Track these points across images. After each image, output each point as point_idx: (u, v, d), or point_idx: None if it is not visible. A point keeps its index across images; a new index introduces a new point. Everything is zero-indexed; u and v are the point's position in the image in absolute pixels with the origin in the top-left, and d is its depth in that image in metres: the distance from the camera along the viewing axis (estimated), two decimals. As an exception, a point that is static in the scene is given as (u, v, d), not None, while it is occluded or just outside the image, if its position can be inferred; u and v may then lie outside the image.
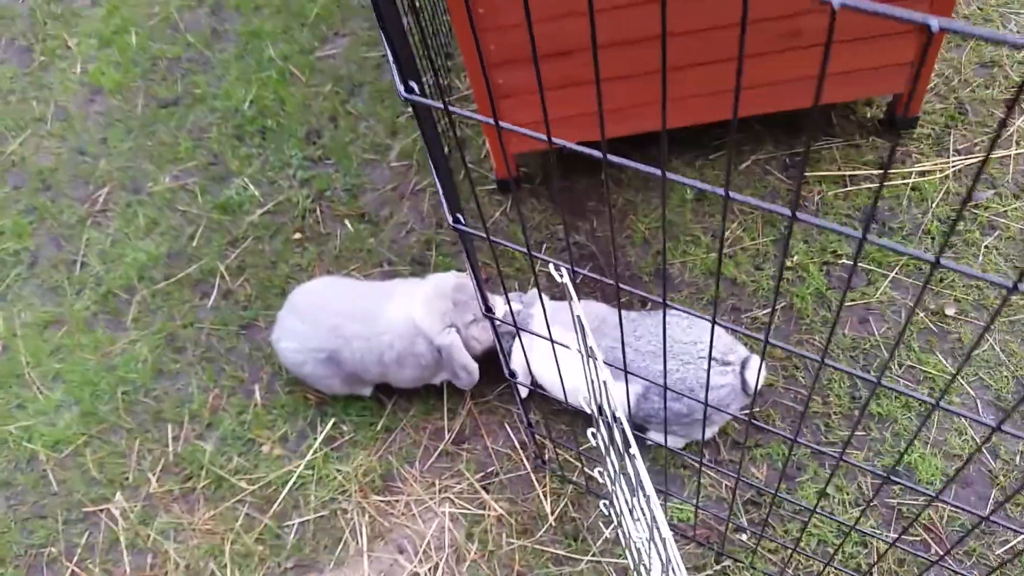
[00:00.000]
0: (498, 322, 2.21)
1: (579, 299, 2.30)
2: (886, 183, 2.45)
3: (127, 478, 2.35)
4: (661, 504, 2.04)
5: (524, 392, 2.24)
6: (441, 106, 0.89)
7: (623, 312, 2.13)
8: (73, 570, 2.21)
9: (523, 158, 2.79)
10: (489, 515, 2.13)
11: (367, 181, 2.88)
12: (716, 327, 2.01)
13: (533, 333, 1.58)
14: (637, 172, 2.64)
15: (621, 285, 1.06)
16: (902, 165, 2.52)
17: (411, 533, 2.15)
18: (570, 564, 2.02)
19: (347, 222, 2.77)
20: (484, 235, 1.22)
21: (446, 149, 2.89)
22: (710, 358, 1.18)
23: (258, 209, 2.87)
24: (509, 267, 2.55)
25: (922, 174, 2.49)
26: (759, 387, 1.96)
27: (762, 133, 2.65)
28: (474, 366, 2.13)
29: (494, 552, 2.07)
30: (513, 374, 1.84)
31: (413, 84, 0.92)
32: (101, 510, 2.30)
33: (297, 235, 2.78)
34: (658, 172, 0.77)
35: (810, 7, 2.11)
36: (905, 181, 2.49)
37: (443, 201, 1.21)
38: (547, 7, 2.08)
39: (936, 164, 2.50)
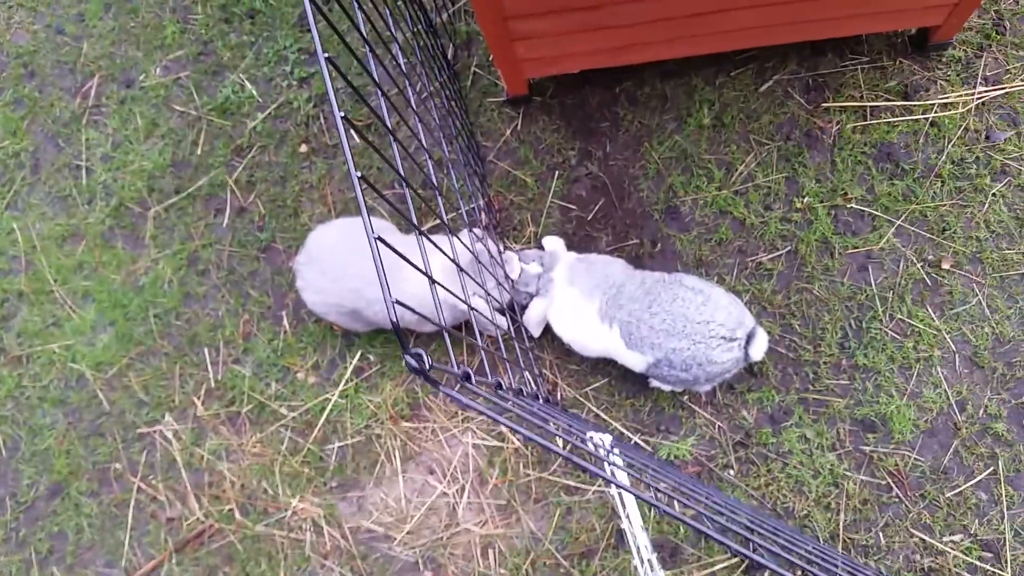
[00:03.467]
0: (517, 286, 2.31)
1: (592, 252, 2.37)
2: (905, 118, 2.42)
3: (174, 400, 2.57)
4: (660, 442, 2.31)
5: (537, 332, 2.40)
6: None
7: (639, 276, 2.22)
8: (139, 485, 2.52)
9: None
10: (507, 446, 2.40)
11: (369, 81, 2.75)
12: (727, 301, 2.13)
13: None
14: (654, 90, 2.56)
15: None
16: (925, 94, 2.45)
17: (439, 457, 2.44)
18: (579, 494, 2.33)
19: (353, 132, 2.70)
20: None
21: (451, 48, 2.73)
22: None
23: (259, 113, 2.77)
24: (521, 196, 2.57)
25: (944, 107, 2.43)
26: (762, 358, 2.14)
27: (787, 49, 2.52)
28: (501, 320, 2.28)
29: (513, 480, 2.37)
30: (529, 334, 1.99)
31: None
32: (154, 431, 2.56)
33: (303, 147, 2.72)
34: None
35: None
36: (925, 116, 2.43)
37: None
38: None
39: (960, 95, 2.43)
